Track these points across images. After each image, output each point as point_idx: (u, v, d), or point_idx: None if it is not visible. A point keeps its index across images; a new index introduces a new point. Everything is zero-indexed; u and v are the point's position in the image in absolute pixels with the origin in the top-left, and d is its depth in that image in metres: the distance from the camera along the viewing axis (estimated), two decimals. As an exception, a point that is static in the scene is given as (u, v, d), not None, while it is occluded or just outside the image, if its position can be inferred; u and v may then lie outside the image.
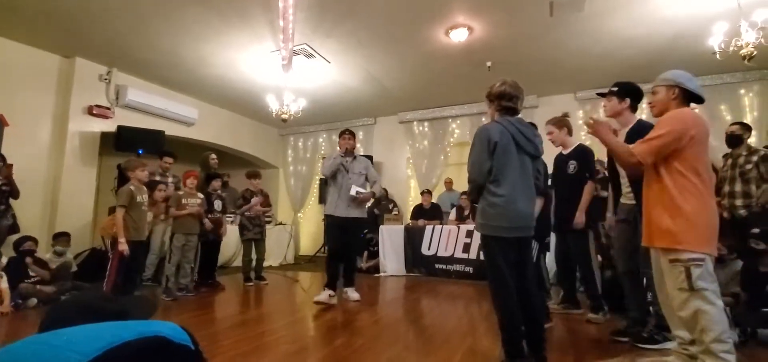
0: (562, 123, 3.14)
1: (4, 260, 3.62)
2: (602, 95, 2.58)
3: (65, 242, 4.25)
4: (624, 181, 2.48)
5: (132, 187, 3.56)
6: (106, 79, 5.31)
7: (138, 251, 3.62)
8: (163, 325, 0.97)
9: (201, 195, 4.25)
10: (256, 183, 4.96)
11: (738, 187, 3.49)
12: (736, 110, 5.17)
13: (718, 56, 3.48)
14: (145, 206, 3.61)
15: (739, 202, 3.45)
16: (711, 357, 1.63)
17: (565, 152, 3.12)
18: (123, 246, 3.36)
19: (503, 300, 1.88)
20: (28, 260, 3.76)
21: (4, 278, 3.29)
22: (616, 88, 2.48)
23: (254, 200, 4.79)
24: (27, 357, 0.87)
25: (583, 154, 3.04)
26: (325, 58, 4.99)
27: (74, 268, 4.29)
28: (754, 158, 3.46)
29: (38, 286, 3.63)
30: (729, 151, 3.68)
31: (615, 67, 5.02)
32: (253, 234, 4.77)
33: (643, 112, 4.00)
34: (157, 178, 4.42)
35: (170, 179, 4.65)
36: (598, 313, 2.95)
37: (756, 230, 2.81)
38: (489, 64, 4.97)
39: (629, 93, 2.46)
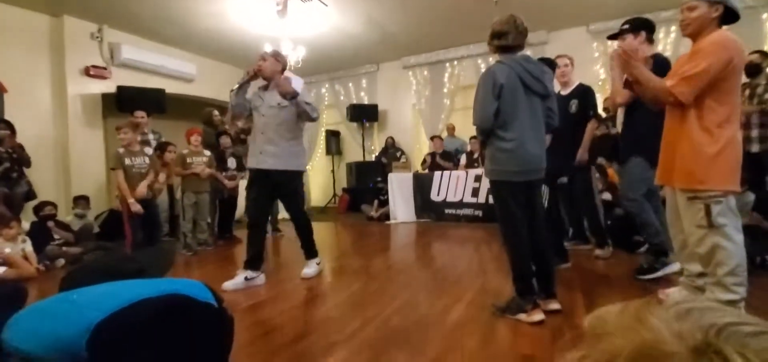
0: (573, 62, 3.04)
1: (27, 225, 3.74)
2: (614, 37, 2.47)
3: (85, 205, 4.40)
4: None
5: (120, 150, 3.58)
6: (98, 38, 5.14)
7: (145, 209, 3.67)
8: (186, 283, 1.01)
9: (207, 153, 4.27)
10: None
11: (754, 118, 3.40)
12: (757, 37, 4.90)
13: (744, -23, 3.24)
14: (136, 168, 3.59)
15: (755, 134, 3.38)
16: (721, 288, 1.66)
17: (565, 92, 3.03)
18: (135, 206, 3.45)
19: (514, 242, 1.93)
20: (50, 224, 3.89)
21: (29, 242, 3.43)
22: (627, 26, 2.39)
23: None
24: (53, 313, 0.92)
25: (584, 93, 2.97)
26: (323, 1, 4.73)
27: (96, 229, 4.45)
28: (774, 86, 3.34)
29: (64, 248, 3.79)
30: (746, 80, 3.54)
31: (632, -5, 4.72)
32: None
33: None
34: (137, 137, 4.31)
35: (150, 136, 4.58)
36: (603, 248, 3.03)
37: None
38: (496, -2, 4.68)
39: (642, 26, 2.38)
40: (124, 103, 5.02)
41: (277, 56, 2.76)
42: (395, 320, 2.00)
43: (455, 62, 6.73)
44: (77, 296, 0.96)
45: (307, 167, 8.23)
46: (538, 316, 1.83)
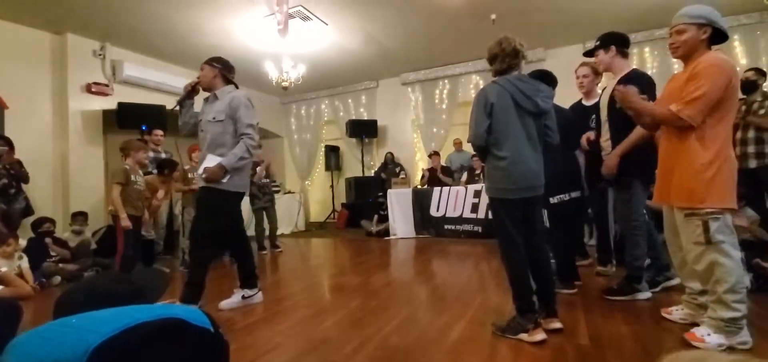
0: (598, 71, 2.88)
1: (23, 242, 3.72)
2: (589, 54, 2.48)
3: (83, 221, 4.37)
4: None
5: (126, 166, 3.55)
6: (100, 55, 5.21)
7: (138, 226, 3.64)
8: (183, 309, 1.00)
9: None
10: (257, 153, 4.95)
11: (751, 134, 3.43)
12: (753, 53, 4.99)
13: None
14: (138, 185, 3.56)
15: (751, 150, 3.40)
16: (722, 306, 1.65)
17: (588, 103, 2.92)
18: (126, 222, 3.34)
19: (512, 259, 1.93)
20: (48, 240, 3.87)
21: (25, 259, 3.40)
22: (598, 42, 2.41)
23: (259, 170, 4.81)
24: (52, 337, 0.92)
25: None
26: (322, 19, 4.82)
27: (93, 246, 4.41)
28: (767, 103, 3.39)
29: (61, 265, 3.75)
30: (743, 97, 3.59)
31: (626, 12, 4.81)
32: (263, 203, 4.84)
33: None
34: (150, 154, 4.37)
35: (163, 154, 4.63)
36: (606, 266, 3.01)
37: None
38: (494, 16, 4.78)
39: (611, 41, 2.37)
40: (124, 119, 5.06)
41: (212, 62, 2.52)
42: (394, 339, 1.97)
43: (454, 79, 6.81)
44: (77, 320, 0.96)
45: (306, 183, 8.24)
46: (539, 336, 1.80)
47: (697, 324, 1.79)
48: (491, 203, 2.03)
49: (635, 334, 1.90)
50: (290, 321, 2.33)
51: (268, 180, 4.95)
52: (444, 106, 6.93)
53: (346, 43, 5.61)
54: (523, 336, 1.83)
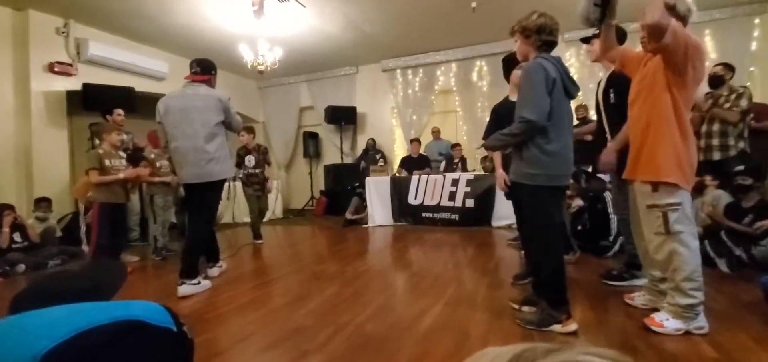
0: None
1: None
2: (586, 40, 2.50)
3: (46, 207, 4.17)
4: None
5: (100, 151, 3.42)
6: (64, 32, 4.91)
7: (117, 213, 3.51)
8: (144, 306, 0.96)
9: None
10: (247, 138, 4.80)
11: (715, 127, 3.56)
12: (723, 48, 5.15)
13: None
14: (115, 170, 3.44)
15: (715, 142, 3.54)
16: (679, 293, 1.73)
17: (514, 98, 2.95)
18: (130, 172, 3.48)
19: (557, 251, 1.83)
20: (7, 229, 3.66)
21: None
22: (598, 31, 2.41)
23: (247, 158, 4.65)
24: (6, 336, 0.87)
25: None
26: (300, 2, 4.68)
27: (59, 233, 4.22)
28: (733, 97, 3.52)
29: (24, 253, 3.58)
30: (710, 91, 3.72)
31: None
32: (254, 191, 4.71)
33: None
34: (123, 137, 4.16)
35: (124, 136, 4.41)
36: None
37: (741, 167, 2.94)
38: (474, 4, 4.75)
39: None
40: (90, 101, 4.81)
41: None
42: (369, 327, 1.98)
43: (434, 66, 6.79)
44: (31, 319, 0.91)
45: (282, 170, 8.10)
46: (572, 326, 1.80)
47: (657, 310, 1.88)
48: (534, 192, 1.78)
49: (599, 319, 1.98)
50: (264, 310, 2.31)
51: (258, 169, 4.73)
52: (424, 94, 6.91)
53: (325, 27, 5.48)
54: (556, 327, 1.80)
